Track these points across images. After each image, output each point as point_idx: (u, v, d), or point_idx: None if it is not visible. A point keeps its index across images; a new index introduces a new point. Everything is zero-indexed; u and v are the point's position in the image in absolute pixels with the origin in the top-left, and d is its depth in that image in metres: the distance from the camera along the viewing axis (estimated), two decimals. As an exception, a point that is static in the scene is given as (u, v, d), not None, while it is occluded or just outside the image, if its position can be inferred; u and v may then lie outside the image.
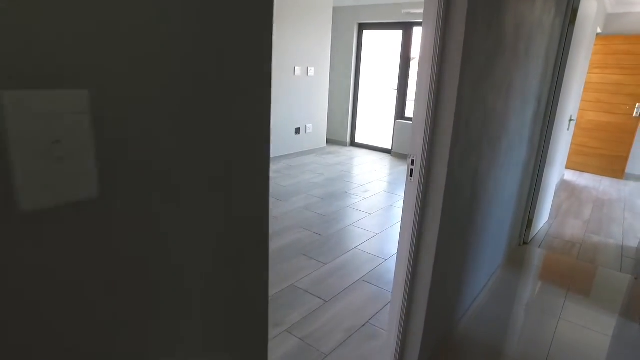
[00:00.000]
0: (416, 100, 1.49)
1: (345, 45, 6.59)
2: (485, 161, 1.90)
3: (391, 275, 2.84)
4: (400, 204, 4.23)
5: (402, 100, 6.22)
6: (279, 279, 2.73)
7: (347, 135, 6.96)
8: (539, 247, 3.42)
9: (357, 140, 7.01)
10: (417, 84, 1.47)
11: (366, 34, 6.53)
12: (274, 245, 3.19)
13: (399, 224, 3.46)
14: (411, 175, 1.55)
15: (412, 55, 6.02)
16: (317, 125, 6.25)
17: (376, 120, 6.85)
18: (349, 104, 6.79)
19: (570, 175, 5.83)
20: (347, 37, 6.55)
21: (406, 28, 5.94)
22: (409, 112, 6.31)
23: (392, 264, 3.00)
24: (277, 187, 4.59)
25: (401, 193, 4.57)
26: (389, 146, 6.57)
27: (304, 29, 5.61)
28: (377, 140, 6.87)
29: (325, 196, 4.38)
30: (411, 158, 1.53)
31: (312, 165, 5.62)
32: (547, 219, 3.97)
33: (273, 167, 5.44)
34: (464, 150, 1.61)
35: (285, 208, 3.97)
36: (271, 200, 4.18)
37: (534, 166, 3.11)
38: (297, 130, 5.94)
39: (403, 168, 5.70)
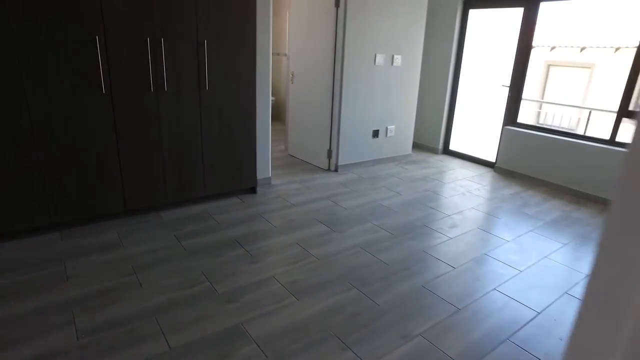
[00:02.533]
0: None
1: (444, 28, 5.28)
2: None
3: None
4: (500, 254, 2.96)
5: (515, 100, 4.78)
6: (288, 387, 1.73)
7: (440, 140, 5.67)
8: None
9: (452, 147, 5.68)
10: None
11: (473, 14, 5.15)
12: (297, 314, 2.19)
13: (496, 293, 2.23)
14: None
15: (534, 42, 4.54)
16: (401, 127, 5.09)
17: (478, 125, 5.46)
18: (444, 101, 5.49)
19: None
20: (447, 18, 5.23)
21: (530, 5, 4.48)
22: (523, 116, 4.85)
23: (478, 379, 1.83)
24: (336, 210, 3.56)
25: (505, 235, 3.28)
26: (492, 158, 5.17)
27: (389, 6, 4.46)
28: (477, 149, 5.49)
29: (396, 229, 3.26)
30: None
31: (388, 179, 4.49)
32: None
33: (339, 178, 4.41)
34: None
35: (335, 245, 2.94)
36: (322, 229, 3.18)
37: None
38: (376, 133, 4.84)
39: (509, 192, 4.31)
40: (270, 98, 3.83)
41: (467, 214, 3.66)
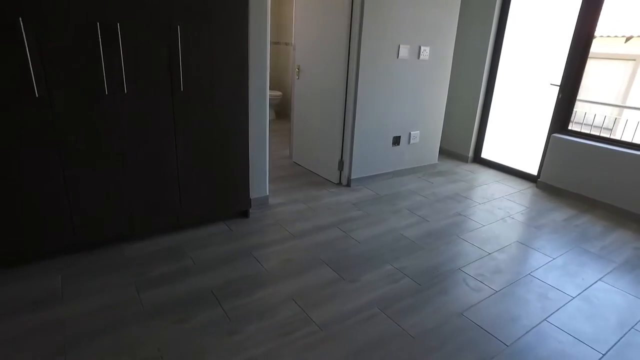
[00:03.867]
0: None
1: (481, 14, 4.45)
2: None
3: None
4: (567, 320, 2.19)
5: (567, 103, 3.95)
6: None
7: (470, 146, 4.87)
8: None
9: (485, 155, 4.88)
10: None
11: (517, -2, 4.32)
12: None
13: None
14: None
15: (595, 32, 3.69)
16: (427, 132, 4.30)
17: (518, 130, 4.64)
18: (477, 101, 4.68)
19: None
20: (485, 3, 4.40)
21: (591, -13, 3.63)
22: (578, 123, 4.02)
23: None
24: (346, 244, 2.82)
25: (567, 287, 2.49)
26: (534, 170, 4.37)
27: (420, -12, 3.66)
28: (515, 159, 4.67)
29: (423, 276, 2.51)
30: None
31: (411, 198, 3.73)
32: None
33: (351, 196, 3.66)
34: None
35: (343, 303, 2.20)
36: (328, 275, 2.45)
37: None
38: (397, 140, 4.06)
39: (560, 217, 3.51)
40: (268, 98, 3.09)
41: (512, 250, 2.88)
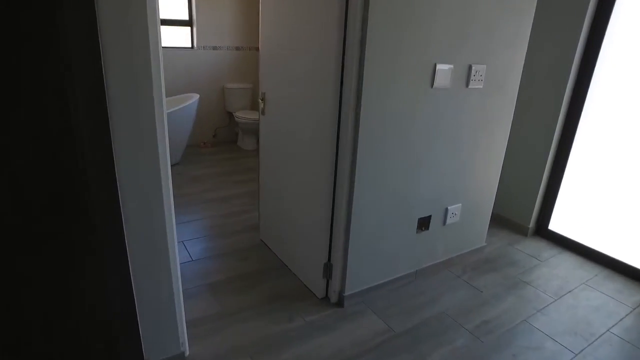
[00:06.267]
0: None
1: (562, 18, 2.80)
2: None
3: None
4: None
5: None
6: None
7: (533, 213, 3.21)
8: None
9: (554, 226, 3.22)
10: None
11: (628, -13, 2.66)
12: None
13: None
14: None
15: None
16: (473, 204, 2.65)
17: (614, 195, 2.95)
18: (548, 149, 3.03)
19: None
20: (570, 2, 2.76)
21: None
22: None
23: None
24: None
25: None
26: (644, 265, 2.71)
27: (477, -38, 2.04)
28: (607, 238, 2.98)
29: None
30: None
31: (447, 339, 2.11)
32: None
33: (342, 339, 2.04)
34: None
35: None
36: None
37: None
38: (424, 223, 2.43)
39: None
40: (168, 166, 1.53)
41: None
